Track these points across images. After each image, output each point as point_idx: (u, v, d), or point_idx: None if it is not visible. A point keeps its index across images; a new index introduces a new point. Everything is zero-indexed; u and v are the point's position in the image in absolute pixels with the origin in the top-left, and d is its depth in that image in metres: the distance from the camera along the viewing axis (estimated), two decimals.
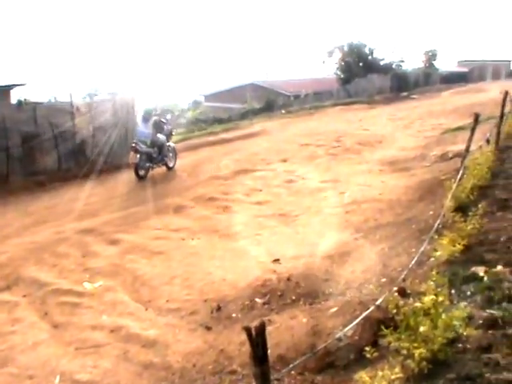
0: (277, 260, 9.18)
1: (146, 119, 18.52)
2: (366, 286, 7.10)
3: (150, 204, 13.98)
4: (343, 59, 54.97)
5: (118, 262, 9.93)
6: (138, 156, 17.30)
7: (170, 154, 19.11)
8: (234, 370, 5.88)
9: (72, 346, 7.08)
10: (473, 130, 9.62)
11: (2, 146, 17.43)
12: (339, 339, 4.88)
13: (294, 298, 7.50)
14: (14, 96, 24.51)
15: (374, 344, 5.08)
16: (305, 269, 8.49)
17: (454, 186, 8.40)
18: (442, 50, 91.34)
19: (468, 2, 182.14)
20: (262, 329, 3.12)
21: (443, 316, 4.48)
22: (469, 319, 4.83)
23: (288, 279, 8.10)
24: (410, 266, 6.22)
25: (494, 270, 6.07)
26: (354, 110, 36.05)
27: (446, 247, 6.53)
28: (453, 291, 5.68)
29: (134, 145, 17.37)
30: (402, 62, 59.06)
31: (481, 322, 4.91)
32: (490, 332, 4.73)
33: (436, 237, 7.06)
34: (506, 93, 13.07)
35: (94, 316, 7.88)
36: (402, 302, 4.72)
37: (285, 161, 18.45)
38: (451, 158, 14.49)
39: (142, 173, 17.30)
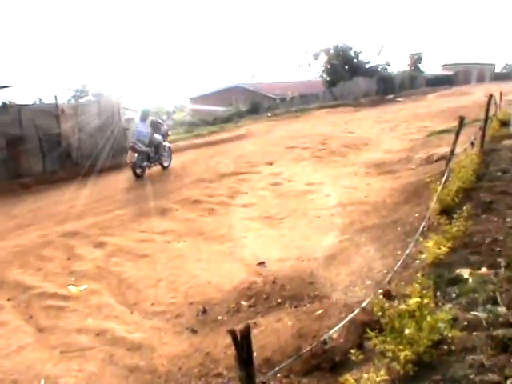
0: (262, 263, 9.18)
1: (143, 119, 18.66)
2: (352, 289, 7.12)
3: (136, 206, 13.95)
4: (329, 62, 55.16)
5: (103, 265, 9.89)
6: (136, 155, 17.54)
7: (166, 154, 19.47)
8: (220, 372, 5.87)
9: (57, 350, 7.03)
10: (457, 132, 9.67)
11: None
12: (325, 342, 4.89)
13: (279, 300, 7.50)
14: None
15: (360, 346, 5.11)
16: (290, 271, 8.50)
17: (439, 188, 8.45)
18: (427, 53, 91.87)
19: (452, 6, 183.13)
20: (246, 332, 3.12)
21: (428, 318, 4.50)
22: (454, 321, 4.86)
23: (273, 282, 8.10)
24: (396, 268, 6.25)
25: (478, 272, 6.11)
26: (340, 112, 36.23)
27: (431, 249, 6.57)
28: (438, 293, 5.70)
29: (132, 144, 17.66)
30: (388, 64, 59.53)
31: (466, 323, 4.94)
32: (475, 334, 4.76)
33: (421, 239, 7.09)
34: (491, 96, 13.15)
35: (80, 319, 7.83)
36: (387, 305, 4.73)
37: (270, 163, 18.48)
38: (436, 161, 14.57)
39: (139, 171, 17.73)
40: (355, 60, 55.82)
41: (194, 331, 7.18)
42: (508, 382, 3.99)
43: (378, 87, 53.77)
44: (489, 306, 5.20)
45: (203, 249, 10.42)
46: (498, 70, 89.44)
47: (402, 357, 4.24)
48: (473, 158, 10.46)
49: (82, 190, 16.80)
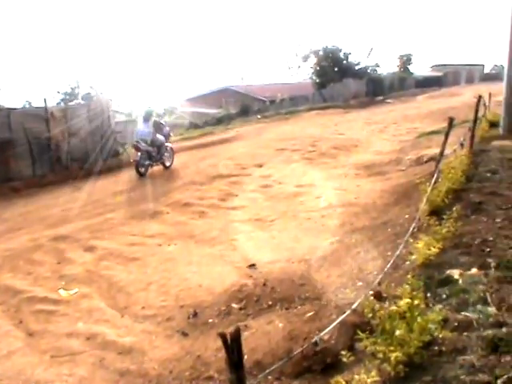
0: (253, 265, 9.17)
1: (146, 120, 19.15)
2: (342, 290, 7.12)
3: (126, 209, 13.92)
4: (319, 64, 55.30)
5: (94, 269, 9.86)
6: (139, 154, 18.11)
7: (167, 154, 19.84)
8: (211, 375, 5.86)
9: (47, 354, 7.00)
10: (447, 133, 9.69)
11: None
12: (315, 343, 4.88)
13: (270, 302, 7.49)
14: None
15: (351, 348, 5.12)
16: (281, 273, 8.49)
17: (429, 189, 8.47)
18: (416, 55, 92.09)
19: (441, 7, 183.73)
20: (237, 335, 3.12)
21: (419, 319, 4.51)
22: (444, 322, 4.87)
23: (264, 284, 8.10)
24: (386, 269, 6.25)
25: (468, 272, 6.12)
26: (330, 114, 36.26)
27: (421, 251, 6.58)
28: (428, 294, 5.71)
29: (136, 143, 18.23)
30: (377, 66, 59.68)
31: (456, 324, 4.95)
32: (466, 334, 4.77)
33: (411, 240, 7.10)
34: (480, 97, 13.19)
35: (70, 323, 7.80)
36: (377, 306, 4.74)
37: (260, 166, 18.48)
38: (426, 162, 14.60)
39: (142, 170, 18.21)
40: (345, 62, 55.98)
41: (184, 334, 7.16)
42: (498, 382, 4.00)
43: (367, 89, 53.89)
44: (479, 307, 5.21)
45: (194, 252, 10.40)
46: (487, 70, 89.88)
47: (392, 358, 4.25)
48: (462, 159, 10.49)
49: (73, 193, 16.80)
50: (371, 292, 6.02)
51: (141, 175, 18.18)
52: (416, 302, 4.59)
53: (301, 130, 27.51)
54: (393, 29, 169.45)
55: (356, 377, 4.30)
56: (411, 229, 7.41)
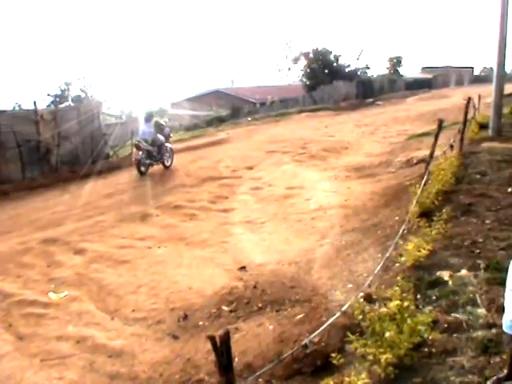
0: (243, 267, 9.17)
1: (147, 120, 19.41)
2: (332, 293, 7.12)
3: (116, 212, 13.89)
4: (309, 66, 55.38)
5: (84, 272, 9.84)
6: (141, 153, 18.37)
7: (167, 154, 19.93)
8: (201, 378, 5.85)
9: (37, 358, 6.98)
10: (437, 135, 9.72)
11: None
12: (305, 346, 4.88)
13: (260, 305, 7.48)
14: None
15: (341, 350, 5.11)
16: (271, 276, 8.49)
17: (419, 191, 8.50)
18: (406, 57, 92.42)
19: (431, 10, 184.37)
20: (226, 338, 3.12)
21: (409, 321, 4.53)
22: (434, 323, 4.89)
23: (254, 287, 8.08)
24: (376, 271, 6.27)
25: (458, 274, 6.15)
26: (320, 116, 36.25)
27: (411, 252, 6.60)
28: (418, 296, 5.74)
29: (137, 142, 18.50)
30: (368, 68, 59.87)
31: (446, 325, 4.97)
32: (455, 336, 4.79)
33: (401, 242, 7.13)
34: (469, 99, 13.24)
35: (60, 327, 7.78)
36: (367, 308, 4.76)
37: (251, 168, 18.46)
38: (416, 164, 14.62)
39: (143, 169, 18.53)
40: (335, 64, 56.06)
41: (175, 337, 7.15)
42: (488, 383, 4.01)
43: (357, 91, 53.92)
44: (469, 308, 5.24)
45: (184, 254, 10.39)
46: (476, 73, 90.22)
47: (382, 360, 4.26)
48: (452, 161, 10.53)
49: (62, 196, 16.75)
50: (361, 294, 6.03)
51: (141, 174, 18.50)
52: (406, 303, 4.61)
53: (291, 132, 27.50)
54: (383, 31, 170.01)
55: (346, 379, 4.31)
56: (401, 231, 7.44)
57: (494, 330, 4.74)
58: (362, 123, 29.89)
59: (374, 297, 6.04)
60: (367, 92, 53.72)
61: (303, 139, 23.83)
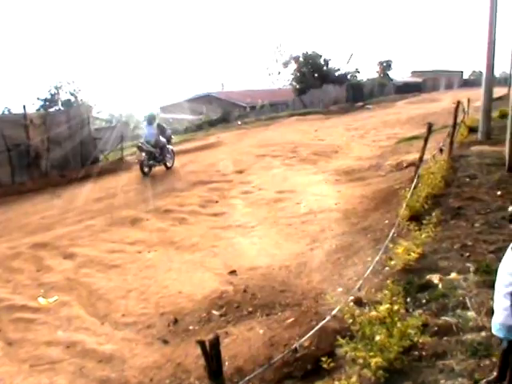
0: (233, 271, 9.17)
1: (150, 123, 20.25)
2: (323, 296, 7.13)
3: (106, 216, 13.85)
4: (299, 70, 55.38)
5: (74, 277, 9.81)
6: (144, 154, 19.01)
7: (169, 155, 20.50)
8: (192, 383, 5.84)
9: (27, 363, 6.95)
10: (426, 139, 9.76)
11: None
12: (296, 350, 4.88)
13: (250, 309, 7.49)
14: None
15: (331, 354, 5.11)
16: (261, 280, 8.50)
17: (409, 194, 8.53)
18: (396, 61, 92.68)
19: (421, 14, 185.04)
20: (215, 342, 3.11)
21: (399, 324, 4.54)
22: (424, 327, 4.90)
23: (245, 291, 8.09)
24: (366, 275, 6.27)
25: (448, 277, 6.17)
26: (310, 120, 36.30)
27: (400, 256, 6.62)
28: (408, 299, 5.75)
29: (140, 144, 19.17)
30: (357, 72, 59.90)
31: (436, 329, 4.98)
32: (445, 339, 4.80)
33: (391, 246, 7.13)
34: (458, 103, 13.29)
35: (50, 332, 7.76)
36: (357, 312, 4.76)
37: (241, 172, 18.46)
38: (406, 167, 14.67)
39: (146, 170, 19.13)
40: (325, 68, 56.07)
41: (165, 342, 7.14)
42: None
43: (347, 95, 54.05)
44: (459, 311, 5.25)
45: (174, 258, 10.37)
46: (465, 76, 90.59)
47: (373, 363, 4.26)
48: (441, 165, 10.57)
49: (52, 200, 16.66)
50: (351, 298, 6.04)
51: (145, 174, 18.99)
52: (396, 307, 4.62)
53: (281, 136, 27.52)
54: (372, 35, 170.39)
55: (336, 383, 4.31)
56: (391, 234, 7.46)
57: (483, 333, 4.75)
58: (351, 127, 29.97)
59: (364, 300, 6.06)
60: (357, 96, 53.86)
61: (293, 143, 23.87)
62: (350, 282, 7.41)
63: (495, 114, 18.48)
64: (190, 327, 7.41)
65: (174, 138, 22.87)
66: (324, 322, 4.97)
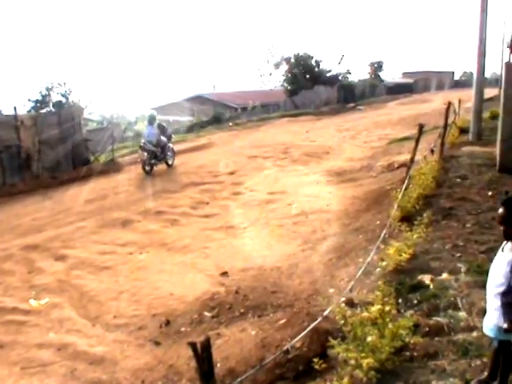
0: (225, 273, 9.17)
1: (151, 123, 20.88)
2: (314, 297, 7.14)
3: (98, 218, 13.81)
4: (290, 71, 55.41)
5: (65, 278, 9.78)
6: (146, 154, 19.60)
7: (170, 154, 21.19)
8: None
9: (18, 366, 6.92)
10: (417, 140, 9.78)
11: None
12: (287, 351, 4.88)
13: (242, 310, 7.49)
14: None
15: (323, 355, 5.11)
16: (253, 281, 8.50)
17: (400, 195, 8.54)
18: (387, 62, 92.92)
19: (412, 15, 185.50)
20: (207, 344, 3.10)
21: (390, 325, 4.54)
22: (415, 327, 4.91)
23: (236, 292, 8.09)
24: (357, 276, 6.27)
25: (439, 277, 6.18)
26: (301, 121, 36.29)
27: (392, 257, 6.63)
28: (400, 300, 5.75)
29: (142, 144, 19.76)
30: (349, 73, 59.91)
31: (427, 329, 4.99)
32: (437, 339, 4.81)
33: (383, 246, 7.15)
34: (449, 104, 13.32)
35: (41, 334, 7.73)
36: (349, 313, 4.76)
37: (232, 173, 18.45)
38: (397, 168, 14.69)
39: (148, 168, 19.58)
40: (316, 69, 56.11)
41: (157, 343, 7.13)
42: None
43: (338, 96, 54.09)
44: (450, 312, 5.27)
45: (166, 260, 10.36)
46: (456, 77, 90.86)
47: (364, 364, 4.26)
48: (433, 165, 10.60)
49: (43, 202, 16.60)
50: (343, 299, 6.05)
51: (147, 173, 19.41)
52: (387, 308, 4.63)
53: (272, 137, 27.52)
54: (364, 36, 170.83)
55: None
56: (382, 235, 7.47)
57: (474, 333, 4.76)
58: (343, 128, 30.00)
59: (356, 301, 6.07)
60: (348, 97, 53.93)
61: (285, 144, 23.88)
62: (341, 282, 7.41)
63: (486, 114, 18.57)
64: (182, 329, 7.40)
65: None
66: (316, 323, 4.97)
